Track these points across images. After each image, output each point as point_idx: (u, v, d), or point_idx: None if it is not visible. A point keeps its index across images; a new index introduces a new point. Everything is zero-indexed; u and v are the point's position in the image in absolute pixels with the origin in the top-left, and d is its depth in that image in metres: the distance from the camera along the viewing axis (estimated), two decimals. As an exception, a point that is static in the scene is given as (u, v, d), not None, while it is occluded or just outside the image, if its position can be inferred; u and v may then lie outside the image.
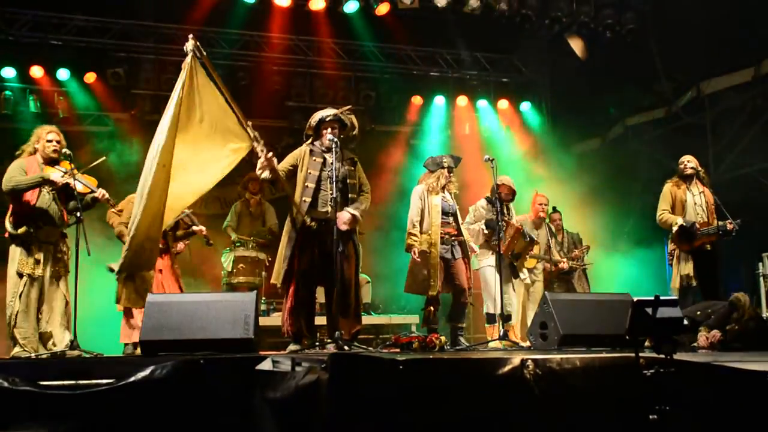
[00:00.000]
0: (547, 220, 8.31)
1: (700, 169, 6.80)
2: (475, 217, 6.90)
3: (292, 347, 5.14)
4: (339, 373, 2.99)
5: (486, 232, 6.74)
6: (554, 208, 8.57)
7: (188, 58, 4.67)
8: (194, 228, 6.79)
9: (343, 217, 5.15)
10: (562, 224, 8.59)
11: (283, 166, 5.37)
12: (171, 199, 4.75)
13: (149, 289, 6.07)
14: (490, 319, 6.89)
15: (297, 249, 5.20)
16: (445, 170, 6.29)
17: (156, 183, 4.52)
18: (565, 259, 8.12)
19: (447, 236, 6.11)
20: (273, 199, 9.62)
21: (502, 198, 6.65)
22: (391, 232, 11.60)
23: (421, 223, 6.14)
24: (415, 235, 6.11)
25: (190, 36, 4.72)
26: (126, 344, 6.42)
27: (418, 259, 6.01)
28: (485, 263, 6.89)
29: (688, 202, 6.58)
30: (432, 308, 6.08)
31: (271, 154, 5.06)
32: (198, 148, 4.85)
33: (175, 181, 4.72)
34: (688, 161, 6.77)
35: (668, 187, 6.74)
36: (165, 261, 6.51)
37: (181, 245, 7.03)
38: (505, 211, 6.81)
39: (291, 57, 11.13)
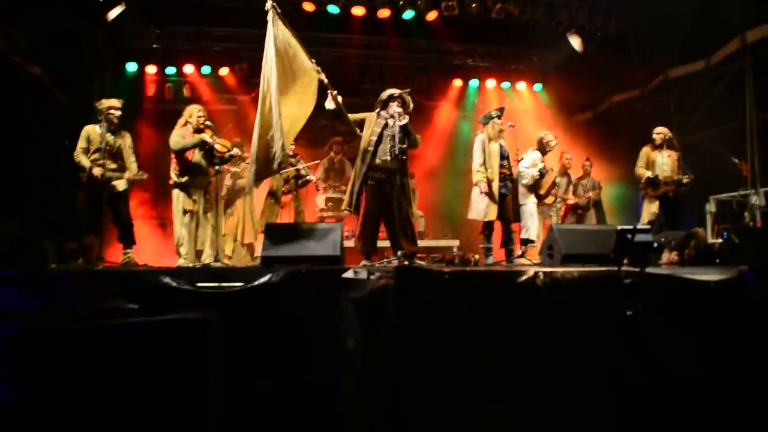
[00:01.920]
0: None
1: (669, 136, 6.68)
2: (531, 163, 6.51)
3: (364, 262, 5.09)
4: (402, 280, 2.99)
5: (537, 177, 6.42)
6: (587, 158, 8.30)
7: (270, 15, 4.47)
8: (308, 177, 6.85)
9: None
10: (590, 170, 8.20)
11: (355, 116, 5.20)
12: (288, 124, 4.59)
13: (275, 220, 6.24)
14: (525, 242, 6.68)
15: (364, 186, 5.05)
16: (496, 118, 5.85)
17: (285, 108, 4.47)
18: (575, 197, 7.90)
19: (502, 176, 5.69)
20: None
21: (549, 148, 6.64)
22: (438, 178, 11.54)
23: (484, 162, 5.73)
24: (481, 172, 5.69)
25: None
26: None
27: (486, 190, 5.61)
28: (528, 201, 6.46)
29: (657, 162, 6.58)
30: (487, 231, 5.75)
31: (336, 92, 4.90)
32: (292, 85, 4.67)
33: (288, 112, 4.58)
34: (658, 132, 6.68)
35: (644, 150, 6.74)
36: (288, 198, 6.57)
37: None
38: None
39: (365, 52, 10.97)
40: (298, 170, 6.56)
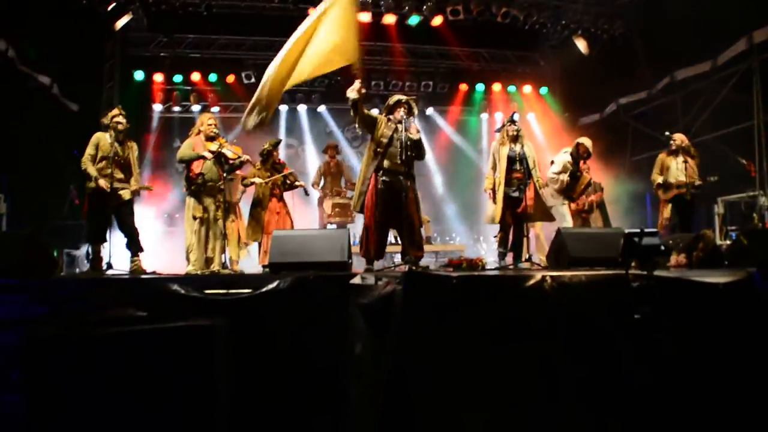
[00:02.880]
0: None
1: (686, 144, 6.57)
2: (562, 168, 6.46)
3: (367, 266, 5.02)
4: (410, 285, 2.97)
5: (569, 182, 6.38)
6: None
7: None
8: (296, 183, 6.76)
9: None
10: (589, 173, 8.15)
11: (368, 113, 5.19)
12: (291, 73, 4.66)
13: (263, 230, 6.19)
14: None
15: (371, 190, 4.98)
16: (506, 125, 5.81)
17: (285, 60, 4.58)
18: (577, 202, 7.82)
19: (515, 180, 5.64)
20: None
21: (582, 155, 6.52)
22: (446, 186, 11.54)
23: (495, 168, 5.76)
24: (489, 178, 5.77)
25: None
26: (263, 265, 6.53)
27: (491, 197, 5.68)
28: (558, 203, 6.43)
29: (672, 168, 6.53)
30: (501, 233, 5.71)
31: (361, 83, 4.89)
32: (313, 45, 4.68)
33: (294, 62, 4.65)
34: (674, 140, 6.58)
35: (660, 156, 6.68)
36: (281, 205, 6.52)
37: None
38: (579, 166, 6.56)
39: (371, 58, 11.00)
40: (285, 176, 6.54)
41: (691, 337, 3.13)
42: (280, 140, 6.97)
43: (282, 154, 7.14)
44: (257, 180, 6.33)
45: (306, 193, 6.99)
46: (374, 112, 5.35)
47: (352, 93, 4.91)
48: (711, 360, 3.09)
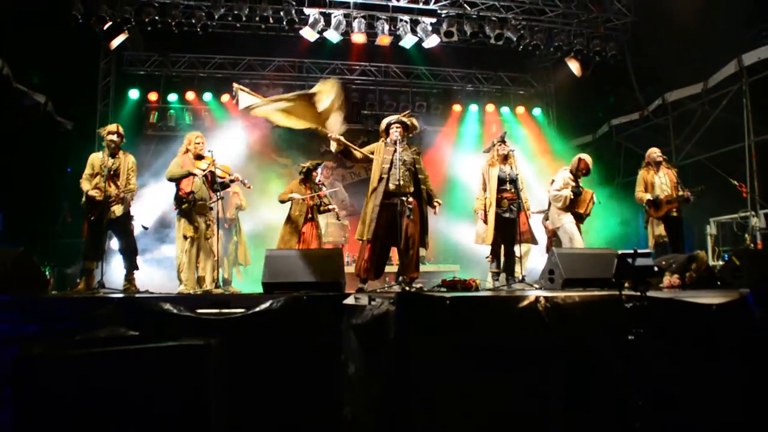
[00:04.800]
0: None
1: (664, 157, 6.60)
2: (563, 184, 6.32)
3: (360, 286, 5.02)
4: (403, 306, 2.98)
5: (572, 197, 6.24)
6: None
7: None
8: (330, 206, 6.79)
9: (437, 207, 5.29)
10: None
11: (364, 150, 5.22)
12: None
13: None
14: None
15: (378, 214, 4.97)
16: (497, 144, 5.80)
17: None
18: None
19: (505, 200, 5.62)
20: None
21: (581, 172, 6.40)
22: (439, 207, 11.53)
23: (485, 189, 5.74)
24: (479, 199, 5.76)
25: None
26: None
27: (482, 218, 5.67)
28: (566, 220, 6.27)
29: (656, 182, 6.47)
30: (491, 256, 5.69)
31: (332, 134, 4.85)
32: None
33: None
34: (654, 152, 6.60)
35: (641, 174, 6.62)
36: (311, 226, 6.47)
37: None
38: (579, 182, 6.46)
39: (365, 78, 11.14)
40: (320, 197, 6.57)
41: (684, 358, 3.14)
42: (322, 162, 6.99)
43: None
44: (295, 196, 6.37)
45: (338, 217, 6.99)
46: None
47: (333, 146, 4.96)
48: (705, 380, 3.10)
